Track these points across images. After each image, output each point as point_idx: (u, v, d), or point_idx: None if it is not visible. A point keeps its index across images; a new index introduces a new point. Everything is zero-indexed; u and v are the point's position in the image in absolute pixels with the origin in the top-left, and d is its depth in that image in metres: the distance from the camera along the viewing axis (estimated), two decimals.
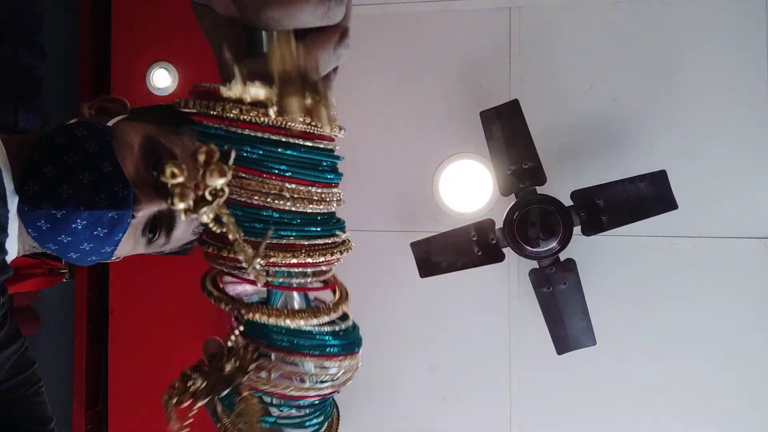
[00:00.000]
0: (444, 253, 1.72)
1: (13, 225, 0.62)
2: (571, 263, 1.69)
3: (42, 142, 0.65)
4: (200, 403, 0.35)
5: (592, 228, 1.63)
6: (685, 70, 1.86)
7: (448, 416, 2.00)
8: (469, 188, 1.91)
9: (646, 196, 1.60)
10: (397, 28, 2.05)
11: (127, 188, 0.63)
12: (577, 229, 1.65)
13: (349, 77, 2.06)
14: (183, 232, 0.71)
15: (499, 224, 1.69)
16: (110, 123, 0.69)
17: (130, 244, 0.67)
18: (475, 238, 1.69)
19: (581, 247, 1.80)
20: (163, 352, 2.02)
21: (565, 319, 1.71)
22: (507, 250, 1.70)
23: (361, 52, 2.07)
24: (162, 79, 2.03)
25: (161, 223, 0.69)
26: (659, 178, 1.59)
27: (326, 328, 0.40)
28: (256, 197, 0.35)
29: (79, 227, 0.61)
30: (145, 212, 0.64)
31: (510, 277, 1.96)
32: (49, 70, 1.97)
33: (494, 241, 1.68)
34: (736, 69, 1.83)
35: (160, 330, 2.06)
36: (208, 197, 0.30)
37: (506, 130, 1.66)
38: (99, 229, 0.62)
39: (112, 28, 2.09)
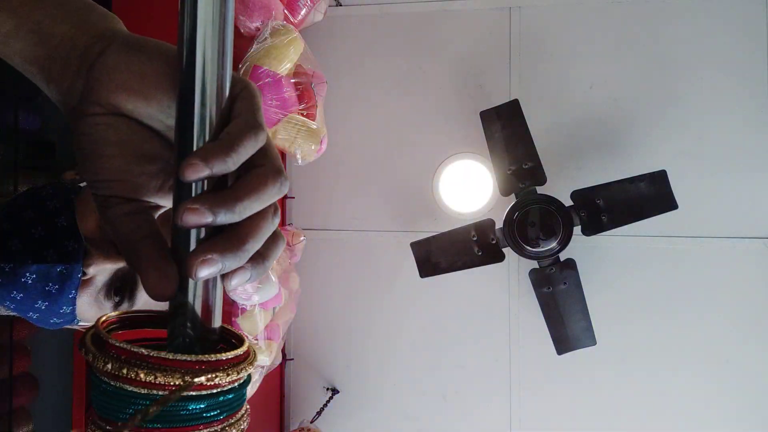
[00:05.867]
0: (444, 253, 1.72)
1: None
2: (571, 263, 1.69)
3: (10, 202, 0.65)
4: None
5: (592, 228, 1.63)
6: (685, 70, 1.86)
7: (448, 416, 2.00)
8: (469, 188, 1.91)
9: (646, 196, 1.60)
10: (397, 28, 2.05)
11: (78, 242, 0.62)
12: (577, 229, 1.65)
13: (349, 77, 2.06)
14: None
15: (499, 224, 1.69)
16: (84, 184, 0.68)
17: (94, 308, 0.65)
18: (475, 238, 1.69)
19: (581, 247, 1.80)
20: None
21: (565, 319, 1.71)
22: (507, 250, 1.70)
23: (362, 52, 2.07)
24: None
25: (126, 286, 0.66)
26: (659, 178, 1.59)
27: None
28: None
29: (29, 281, 0.61)
30: (97, 268, 0.62)
31: (510, 277, 1.96)
32: None
33: (494, 241, 1.68)
34: (736, 69, 1.83)
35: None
36: None
37: (506, 130, 1.66)
38: (50, 284, 0.61)
39: None
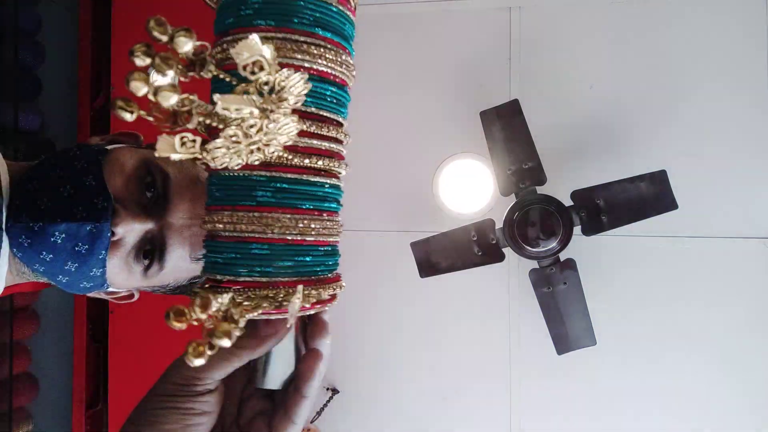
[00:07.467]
0: (444, 253, 1.72)
1: (4, 257, 0.61)
2: (571, 263, 1.69)
3: (37, 164, 0.65)
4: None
5: (592, 228, 1.63)
6: (685, 69, 1.86)
7: (448, 416, 2.00)
8: (469, 188, 1.91)
9: (646, 196, 1.60)
10: (397, 28, 2.05)
11: (106, 200, 0.61)
12: (577, 229, 1.65)
13: None
14: (178, 258, 0.68)
15: (499, 224, 1.69)
16: (111, 147, 0.69)
17: (124, 272, 0.66)
18: (475, 238, 1.69)
19: (581, 247, 1.80)
20: (163, 352, 2.02)
21: (565, 319, 1.71)
22: (507, 250, 1.70)
23: (361, 52, 2.06)
24: (162, 79, 2.02)
25: (155, 249, 0.66)
26: (659, 178, 1.59)
27: None
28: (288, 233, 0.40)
29: (59, 241, 0.60)
30: (125, 228, 0.63)
31: (510, 277, 1.96)
32: (49, 70, 1.96)
33: (494, 241, 1.68)
34: (737, 68, 1.83)
35: (161, 330, 2.06)
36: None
37: (506, 130, 1.66)
38: (80, 244, 0.61)
39: (112, 28, 2.09)
